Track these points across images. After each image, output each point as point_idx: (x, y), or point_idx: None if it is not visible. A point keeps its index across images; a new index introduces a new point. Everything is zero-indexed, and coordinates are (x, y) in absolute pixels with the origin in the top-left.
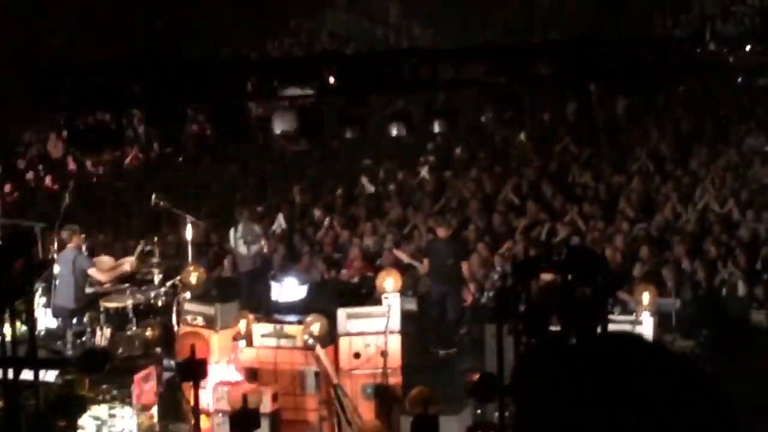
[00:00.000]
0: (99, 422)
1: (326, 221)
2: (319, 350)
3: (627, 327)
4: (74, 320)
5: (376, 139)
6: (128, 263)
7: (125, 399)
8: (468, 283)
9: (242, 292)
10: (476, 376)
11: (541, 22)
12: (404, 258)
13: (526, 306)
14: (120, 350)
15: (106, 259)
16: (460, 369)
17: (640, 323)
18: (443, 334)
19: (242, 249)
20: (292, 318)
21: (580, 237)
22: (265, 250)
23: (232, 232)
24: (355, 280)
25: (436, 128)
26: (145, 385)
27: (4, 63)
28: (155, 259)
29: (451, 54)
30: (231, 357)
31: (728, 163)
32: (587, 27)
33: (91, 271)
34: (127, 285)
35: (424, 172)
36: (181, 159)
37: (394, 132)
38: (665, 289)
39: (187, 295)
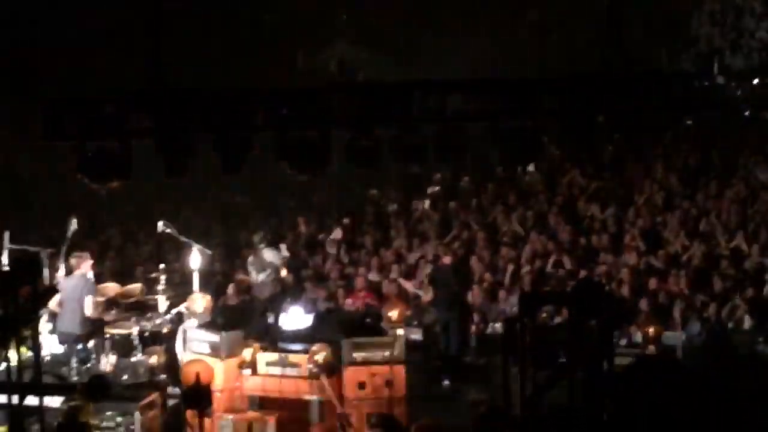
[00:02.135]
0: None
1: (333, 251)
2: (324, 379)
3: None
4: (79, 346)
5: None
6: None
7: (129, 426)
8: (472, 312)
9: (254, 319)
10: (484, 409)
11: (551, 57)
12: (409, 288)
13: (532, 338)
14: (125, 377)
15: (111, 286)
16: (466, 400)
17: None
18: (448, 362)
19: (254, 276)
20: (298, 347)
21: (587, 269)
22: (283, 275)
23: (250, 258)
24: (360, 309)
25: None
26: (150, 413)
27: (15, 92)
28: (161, 287)
29: (460, 86)
30: (236, 385)
31: (736, 196)
32: (595, 62)
33: (86, 300)
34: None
35: (425, 204)
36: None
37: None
38: (672, 321)
39: (193, 322)
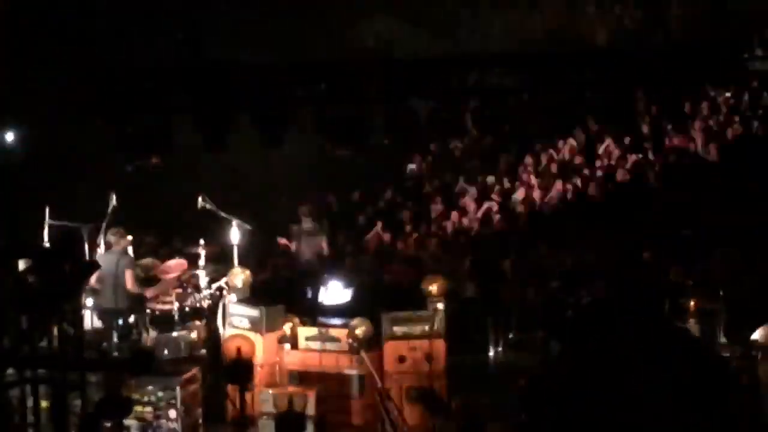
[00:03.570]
0: (144, 424)
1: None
2: (364, 354)
3: None
4: (120, 322)
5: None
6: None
7: (170, 401)
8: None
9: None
10: (525, 381)
11: (587, 29)
12: None
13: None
14: (165, 352)
15: (147, 262)
16: (507, 373)
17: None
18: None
19: (295, 249)
20: (337, 321)
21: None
22: (325, 248)
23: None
24: (400, 283)
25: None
26: (190, 387)
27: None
28: (201, 262)
29: (497, 60)
30: (276, 360)
31: None
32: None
33: (127, 275)
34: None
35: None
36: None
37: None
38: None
39: (233, 297)
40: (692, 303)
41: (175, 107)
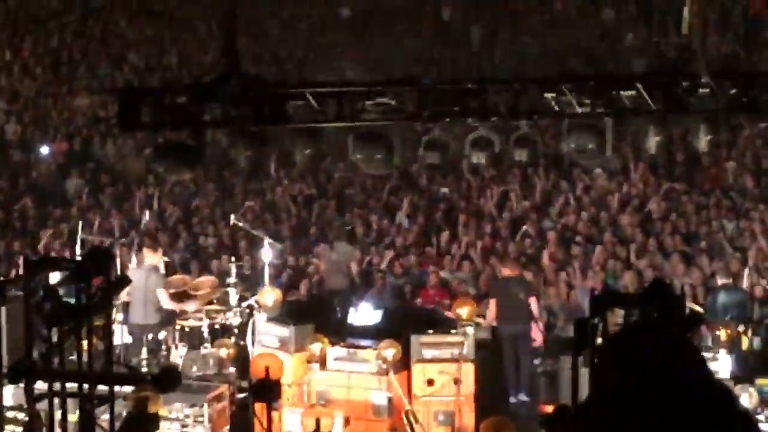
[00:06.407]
0: None
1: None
2: (392, 376)
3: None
4: (149, 337)
5: (454, 165)
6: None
7: (197, 418)
8: (537, 321)
9: (324, 314)
10: (551, 409)
11: (624, 53)
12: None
13: (603, 338)
14: (194, 369)
15: (182, 278)
16: (537, 400)
17: (716, 360)
18: (516, 381)
19: (325, 269)
20: (366, 342)
21: (657, 271)
22: (354, 270)
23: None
24: (431, 306)
25: (517, 156)
26: (218, 405)
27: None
28: (232, 280)
29: (533, 82)
30: (304, 379)
31: None
32: (672, 59)
33: (159, 293)
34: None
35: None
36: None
37: (474, 159)
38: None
39: (263, 316)
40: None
41: (209, 122)
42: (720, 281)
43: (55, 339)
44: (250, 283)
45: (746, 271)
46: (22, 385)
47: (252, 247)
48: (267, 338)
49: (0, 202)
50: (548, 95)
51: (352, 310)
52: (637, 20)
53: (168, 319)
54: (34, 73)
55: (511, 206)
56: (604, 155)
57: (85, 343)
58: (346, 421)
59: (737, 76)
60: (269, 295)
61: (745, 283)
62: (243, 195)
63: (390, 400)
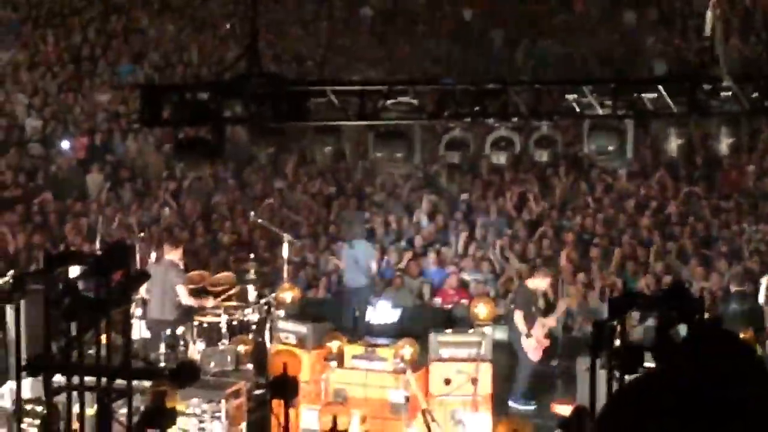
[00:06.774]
0: None
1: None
2: (410, 374)
3: None
4: (167, 332)
5: (473, 166)
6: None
7: (215, 413)
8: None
9: (342, 312)
10: (568, 410)
11: (646, 56)
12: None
13: (621, 341)
14: (212, 365)
15: (201, 274)
16: (551, 400)
17: None
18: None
19: (342, 268)
20: (384, 341)
21: (675, 274)
22: (373, 269)
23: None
24: (449, 306)
25: (537, 157)
26: (235, 401)
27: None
28: (251, 276)
29: (554, 83)
30: (322, 377)
31: None
32: (693, 62)
33: (179, 289)
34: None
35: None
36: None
37: (494, 159)
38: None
39: (281, 313)
40: None
41: (229, 118)
42: (732, 288)
43: (73, 333)
44: (269, 280)
45: (765, 280)
46: (40, 378)
47: (271, 244)
48: (285, 335)
49: (20, 197)
50: (569, 96)
51: (370, 308)
52: (659, 23)
53: (186, 314)
54: (56, 69)
55: (530, 207)
56: (625, 157)
57: (103, 337)
58: (363, 419)
59: (759, 80)
60: (287, 293)
61: (763, 290)
62: (263, 192)
63: (407, 398)
